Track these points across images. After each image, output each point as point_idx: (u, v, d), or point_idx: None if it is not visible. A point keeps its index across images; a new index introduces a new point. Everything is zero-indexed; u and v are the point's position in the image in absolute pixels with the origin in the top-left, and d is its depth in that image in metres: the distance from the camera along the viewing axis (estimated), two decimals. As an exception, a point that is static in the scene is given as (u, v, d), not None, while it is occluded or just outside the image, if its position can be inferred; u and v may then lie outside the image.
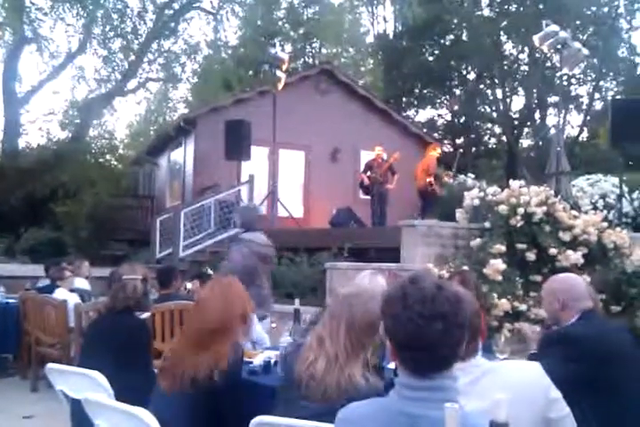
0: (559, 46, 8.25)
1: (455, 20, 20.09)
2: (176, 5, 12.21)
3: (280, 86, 10.47)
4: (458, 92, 22.37)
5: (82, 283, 6.01)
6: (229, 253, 4.74)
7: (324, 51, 20.04)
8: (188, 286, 5.23)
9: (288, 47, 16.48)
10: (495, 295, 5.09)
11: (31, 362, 5.49)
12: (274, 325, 4.44)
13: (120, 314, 3.00)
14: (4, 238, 10.80)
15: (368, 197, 10.87)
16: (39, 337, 5.45)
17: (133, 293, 3.01)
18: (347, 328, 1.98)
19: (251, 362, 2.76)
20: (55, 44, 11.34)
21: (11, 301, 6.00)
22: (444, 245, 6.01)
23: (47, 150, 11.95)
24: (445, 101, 22.63)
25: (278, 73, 10.35)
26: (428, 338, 1.29)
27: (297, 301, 3.61)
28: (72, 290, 5.62)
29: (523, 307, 5.18)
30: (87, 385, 2.34)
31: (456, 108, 22.13)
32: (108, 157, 14.25)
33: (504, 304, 5.08)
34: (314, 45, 19.68)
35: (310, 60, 19.17)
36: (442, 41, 21.41)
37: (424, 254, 5.87)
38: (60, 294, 5.41)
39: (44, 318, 5.35)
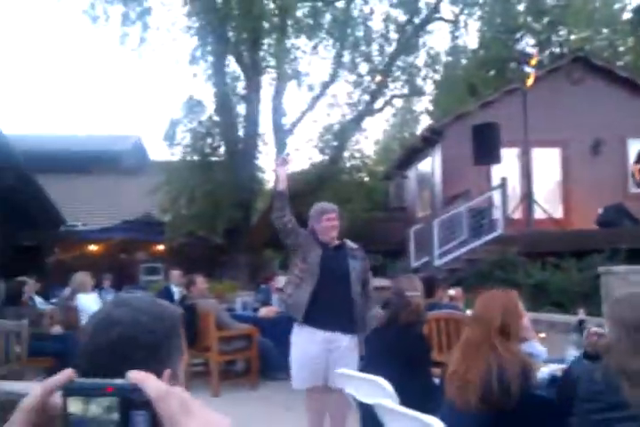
0: None
1: None
2: (417, 20, 12.49)
3: (530, 82, 9.94)
4: None
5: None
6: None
7: (572, 37, 18.51)
8: (451, 292, 5.20)
9: (532, 40, 15.61)
10: None
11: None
12: (543, 335, 4.16)
13: (404, 328, 3.12)
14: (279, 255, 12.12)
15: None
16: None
17: (417, 309, 3.13)
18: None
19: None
20: (311, 77, 12.57)
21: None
22: None
23: (310, 174, 13.17)
24: None
25: (527, 69, 9.87)
26: None
27: (581, 311, 3.35)
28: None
29: None
30: (375, 391, 2.46)
31: None
32: (360, 174, 15.11)
33: None
34: (561, 33, 18.28)
35: (557, 50, 17.86)
36: None
37: None
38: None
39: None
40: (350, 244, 3.90)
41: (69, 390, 0.65)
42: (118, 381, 0.66)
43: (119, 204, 15.53)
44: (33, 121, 43.25)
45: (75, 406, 0.63)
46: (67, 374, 0.68)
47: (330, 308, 3.58)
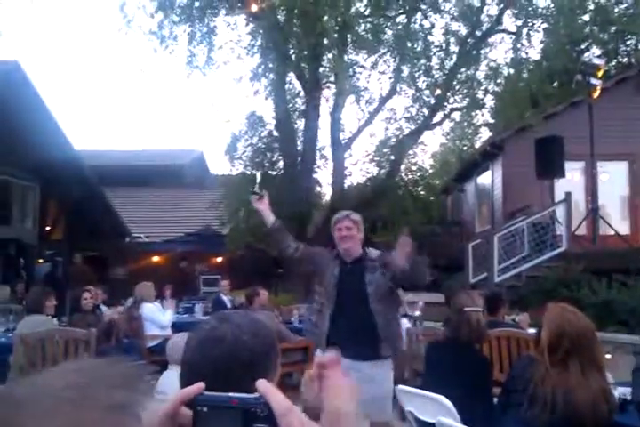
0: None
1: None
2: (478, 33, 12.39)
3: (596, 94, 9.65)
4: None
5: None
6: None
7: (641, 47, 17.82)
8: (517, 318, 5.06)
9: (598, 51, 15.14)
10: None
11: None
12: (608, 356, 3.99)
13: (464, 346, 3.07)
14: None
15: None
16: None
17: (477, 326, 3.07)
18: None
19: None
20: (370, 92, 12.66)
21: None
22: None
23: (366, 188, 13.18)
24: None
25: (593, 80, 9.57)
26: None
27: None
28: (404, 315, 5.97)
29: None
30: (436, 409, 2.43)
31: None
32: (417, 188, 15.00)
33: None
34: (628, 43, 17.65)
35: (625, 60, 17.24)
36: None
37: None
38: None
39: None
40: (372, 253, 3.47)
41: (199, 402, 0.68)
42: (243, 394, 0.68)
43: (181, 216, 15.99)
44: (102, 137, 45.29)
45: (202, 416, 0.66)
46: (199, 386, 0.71)
47: (348, 333, 3.24)
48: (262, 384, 0.70)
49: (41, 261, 12.77)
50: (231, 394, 0.68)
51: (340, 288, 3.34)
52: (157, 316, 6.74)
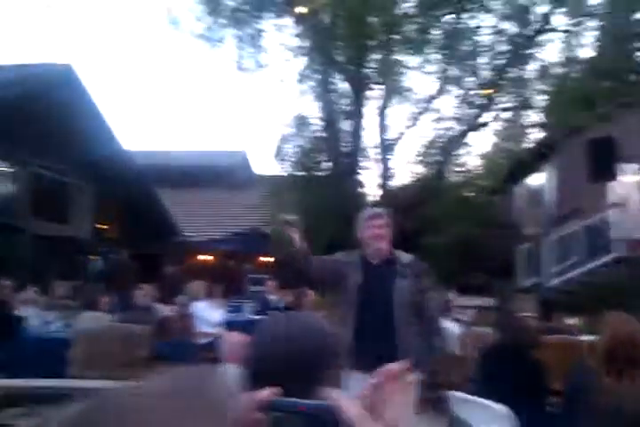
0: None
1: None
2: (527, 32, 12.16)
3: (653, 94, 9.34)
4: None
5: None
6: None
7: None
8: (571, 321, 4.95)
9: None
10: None
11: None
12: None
13: (516, 352, 3.03)
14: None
15: None
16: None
17: (529, 331, 3.03)
18: None
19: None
20: (416, 92, 12.60)
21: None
22: None
23: (413, 189, 13.12)
24: None
25: (649, 80, 9.26)
26: None
27: None
28: (454, 319, 5.93)
29: None
30: (491, 417, 2.41)
31: None
32: (466, 189, 14.80)
33: None
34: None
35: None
36: None
37: None
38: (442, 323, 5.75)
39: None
40: (403, 257, 3.18)
41: (270, 406, 0.69)
42: (312, 401, 0.70)
43: (227, 216, 16.24)
44: (152, 138, 46.38)
45: (275, 422, 0.68)
46: (273, 390, 0.72)
47: (371, 343, 2.90)
48: (332, 393, 0.70)
49: (95, 258, 13.20)
50: (301, 400, 0.69)
51: (362, 294, 3.02)
52: (208, 314, 6.87)
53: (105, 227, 13.34)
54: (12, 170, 10.64)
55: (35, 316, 6.02)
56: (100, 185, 12.23)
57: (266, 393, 0.72)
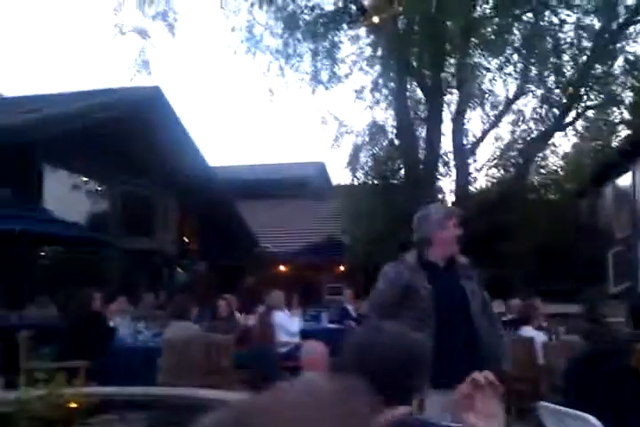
0: None
1: None
2: (613, 25, 11.61)
3: None
4: None
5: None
6: None
7: None
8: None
9: None
10: None
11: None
12: None
13: (609, 362, 2.87)
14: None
15: None
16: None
17: (619, 339, 2.87)
18: None
19: None
20: (495, 95, 12.35)
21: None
22: None
23: (493, 193, 12.78)
24: None
25: None
26: None
27: None
28: (539, 327, 5.71)
29: None
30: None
31: None
32: (548, 191, 14.24)
33: None
34: None
35: None
36: None
37: None
38: (526, 331, 5.56)
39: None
40: (460, 258, 2.99)
41: (403, 425, 0.70)
42: (452, 424, 0.70)
43: (305, 227, 16.45)
44: (232, 152, 47.95)
45: None
46: (407, 409, 0.73)
47: (453, 357, 2.64)
48: (470, 417, 0.69)
49: (180, 270, 13.74)
50: (441, 423, 0.69)
51: (438, 303, 2.78)
52: (287, 323, 6.98)
53: (188, 240, 13.87)
54: (103, 188, 11.32)
55: (125, 326, 6.33)
56: (183, 200, 12.75)
57: (402, 410, 0.73)
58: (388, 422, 0.71)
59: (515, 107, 12.76)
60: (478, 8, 11.38)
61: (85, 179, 10.94)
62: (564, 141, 27.56)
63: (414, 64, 11.78)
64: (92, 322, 5.73)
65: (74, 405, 3.99)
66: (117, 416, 3.84)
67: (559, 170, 15.25)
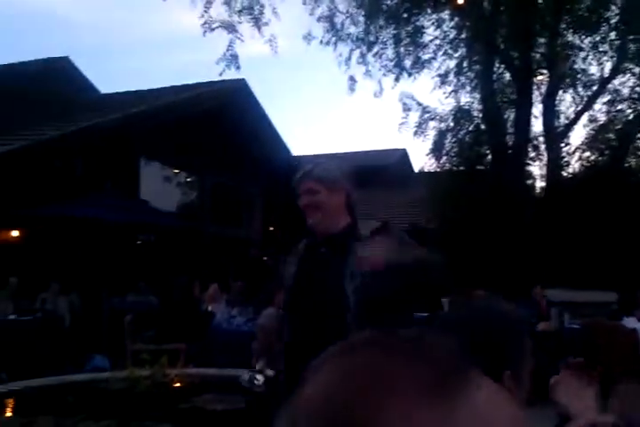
0: None
1: None
2: None
3: None
4: None
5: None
6: None
7: None
8: None
9: None
10: None
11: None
12: None
13: None
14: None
15: None
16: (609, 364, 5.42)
17: None
18: None
19: None
20: (588, 75, 11.69)
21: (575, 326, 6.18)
22: None
23: (586, 177, 12.14)
24: None
25: None
26: None
27: None
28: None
29: None
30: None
31: None
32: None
33: None
34: None
35: None
36: None
37: None
38: (630, 322, 5.28)
39: (613, 344, 5.30)
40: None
41: None
42: None
43: (389, 215, 16.34)
44: (315, 141, 48.49)
45: None
46: (609, 418, 0.72)
47: None
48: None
49: (266, 258, 14.06)
50: None
51: None
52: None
53: (273, 230, 14.16)
54: (193, 179, 11.76)
55: (220, 311, 6.57)
56: (269, 189, 13.02)
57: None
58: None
59: (610, 86, 12.02)
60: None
61: (177, 171, 11.40)
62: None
63: (501, 45, 11.34)
64: (192, 308, 6.00)
65: (178, 384, 4.22)
66: (217, 396, 4.02)
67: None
